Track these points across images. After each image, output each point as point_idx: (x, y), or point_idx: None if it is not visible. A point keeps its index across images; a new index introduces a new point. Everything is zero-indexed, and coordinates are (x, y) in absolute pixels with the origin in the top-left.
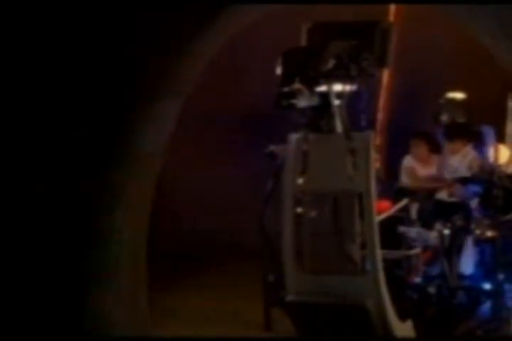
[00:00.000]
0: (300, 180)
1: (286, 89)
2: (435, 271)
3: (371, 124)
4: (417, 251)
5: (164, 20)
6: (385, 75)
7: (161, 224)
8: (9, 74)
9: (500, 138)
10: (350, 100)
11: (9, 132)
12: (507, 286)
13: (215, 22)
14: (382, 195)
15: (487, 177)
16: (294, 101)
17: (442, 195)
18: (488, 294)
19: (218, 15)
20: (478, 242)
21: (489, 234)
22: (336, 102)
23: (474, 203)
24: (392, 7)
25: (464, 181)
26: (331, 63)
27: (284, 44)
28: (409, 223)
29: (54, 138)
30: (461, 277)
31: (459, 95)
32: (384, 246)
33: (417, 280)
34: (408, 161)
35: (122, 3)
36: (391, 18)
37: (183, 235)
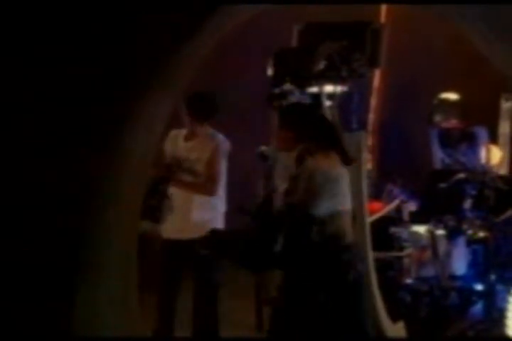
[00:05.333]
0: None
1: (277, 90)
2: (427, 271)
3: (363, 125)
4: (408, 251)
5: (156, 21)
6: (377, 76)
7: None
8: None
9: (493, 138)
10: (341, 101)
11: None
12: (499, 287)
13: (207, 23)
14: (374, 195)
15: (480, 177)
16: (285, 101)
17: None
18: (480, 295)
19: (210, 16)
20: (470, 243)
21: (481, 234)
22: (328, 103)
23: (467, 204)
24: (384, 7)
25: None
26: (322, 64)
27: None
28: (401, 224)
29: (41, 137)
30: (453, 278)
31: (452, 96)
32: (375, 247)
33: (409, 281)
34: None
35: (115, 4)
36: (382, 18)
37: None
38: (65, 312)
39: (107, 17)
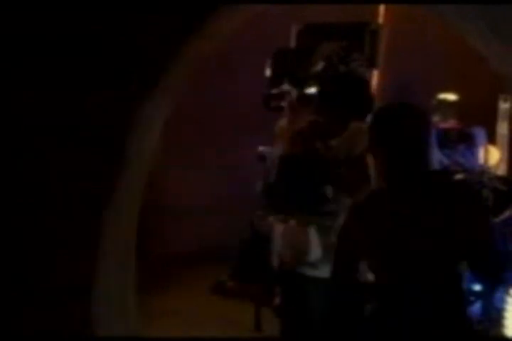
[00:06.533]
0: None
1: (275, 91)
2: None
3: None
4: None
5: (155, 22)
6: (375, 76)
7: (149, 225)
8: None
9: (492, 139)
10: None
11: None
12: (497, 287)
13: (207, 23)
14: None
15: (478, 178)
16: (282, 102)
17: None
18: (478, 295)
19: (210, 16)
20: None
21: None
22: None
23: None
24: (382, 8)
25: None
26: (320, 64)
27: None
28: None
29: (40, 137)
30: None
31: (450, 96)
32: None
33: None
34: None
35: (114, 4)
36: (381, 18)
37: (170, 236)
38: (61, 311)
39: (106, 17)
